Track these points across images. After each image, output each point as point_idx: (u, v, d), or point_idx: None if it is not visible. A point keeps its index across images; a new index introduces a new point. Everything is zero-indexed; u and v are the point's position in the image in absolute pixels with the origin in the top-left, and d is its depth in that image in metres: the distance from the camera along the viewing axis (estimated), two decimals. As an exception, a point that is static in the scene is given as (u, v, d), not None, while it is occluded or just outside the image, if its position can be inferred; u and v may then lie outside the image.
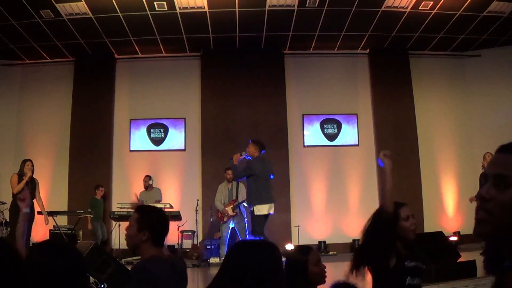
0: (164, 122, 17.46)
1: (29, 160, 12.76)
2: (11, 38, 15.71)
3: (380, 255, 4.39)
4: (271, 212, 11.25)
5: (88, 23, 14.94)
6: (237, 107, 17.17)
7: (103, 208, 15.87)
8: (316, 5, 14.49)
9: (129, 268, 5.61)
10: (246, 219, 14.19)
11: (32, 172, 12.60)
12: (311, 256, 4.49)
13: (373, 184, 17.06)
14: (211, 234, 15.67)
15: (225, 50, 17.51)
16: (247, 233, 14.09)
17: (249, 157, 11.43)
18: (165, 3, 14.08)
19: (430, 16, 15.26)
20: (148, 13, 14.55)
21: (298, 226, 16.19)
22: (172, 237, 15.44)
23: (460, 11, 14.86)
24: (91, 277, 8.53)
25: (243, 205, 14.16)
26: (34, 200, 12.94)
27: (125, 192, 16.55)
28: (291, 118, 17.28)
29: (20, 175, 12.49)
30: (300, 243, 15.50)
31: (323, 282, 4.52)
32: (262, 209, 11.00)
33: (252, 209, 11.07)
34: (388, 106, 17.34)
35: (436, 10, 14.87)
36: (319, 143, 17.52)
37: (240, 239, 14.23)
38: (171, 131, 17.44)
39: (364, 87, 17.72)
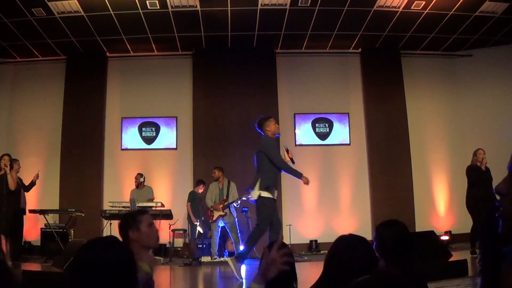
0: (156, 120, 17.44)
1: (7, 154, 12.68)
2: (3, 36, 15.65)
3: None
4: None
5: (80, 21, 14.91)
6: (229, 106, 17.16)
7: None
8: (308, 4, 14.50)
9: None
10: (236, 219, 14.21)
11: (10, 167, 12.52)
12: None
13: (365, 183, 17.10)
14: (203, 233, 15.67)
15: (217, 49, 17.51)
16: (238, 231, 14.12)
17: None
18: (157, 1, 14.06)
19: (422, 16, 15.29)
20: (140, 11, 14.53)
21: (290, 225, 16.17)
22: (164, 235, 15.44)
23: (452, 11, 14.90)
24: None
25: (234, 205, 14.20)
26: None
27: (117, 190, 16.53)
28: (282, 117, 17.26)
29: None
30: (292, 242, 15.53)
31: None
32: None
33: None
34: (379, 105, 17.36)
35: (428, 10, 14.90)
36: (310, 142, 17.53)
37: (231, 237, 14.26)
38: (162, 129, 17.42)
39: (356, 87, 17.74)
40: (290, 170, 10.76)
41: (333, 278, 3.09)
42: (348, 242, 3.31)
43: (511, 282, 3.27)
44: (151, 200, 15.06)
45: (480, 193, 12.13)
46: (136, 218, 4.68)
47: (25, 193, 13.79)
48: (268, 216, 10.23)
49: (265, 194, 10.31)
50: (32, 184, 13.73)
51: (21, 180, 13.49)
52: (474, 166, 12.62)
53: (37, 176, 13.76)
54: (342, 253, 3.17)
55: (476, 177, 12.47)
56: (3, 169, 12.28)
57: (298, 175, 10.60)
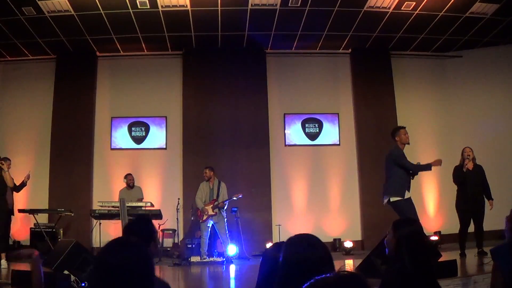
0: (146, 120, 17.42)
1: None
2: (-8, 34, 15.63)
3: None
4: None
5: (70, 20, 14.88)
6: (219, 106, 17.16)
7: None
8: (299, 5, 14.51)
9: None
10: (225, 219, 14.21)
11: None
12: None
13: (354, 183, 17.12)
14: (192, 233, 15.67)
15: (207, 48, 17.51)
16: (227, 232, 14.12)
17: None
18: (147, 1, 14.04)
19: (413, 17, 15.31)
20: (130, 11, 14.50)
21: (279, 225, 16.18)
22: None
23: (443, 12, 14.93)
24: (71, 276, 8.48)
25: (224, 206, 14.22)
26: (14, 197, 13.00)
27: (106, 190, 16.50)
28: (272, 117, 17.29)
29: None
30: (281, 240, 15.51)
31: None
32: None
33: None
34: (369, 106, 17.39)
35: (419, 11, 14.93)
36: (300, 142, 17.54)
37: (220, 238, 14.27)
38: (152, 129, 17.40)
39: (346, 87, 17.77)
40: (421, 168, 11.40)
41: (290, 277, 3.09)
42: (301, 240, 3.29)
43: (498, 279, 3.30)
44: (141, 200, 15.05)
45: (467, 194, 12.07)
46: (154, 228, 4.64)
47: (15, 193, 13.74)
48: (411, 211, 10.57)
49: (394, 198, 10.78)
50: (23, 184, 13.67)
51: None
52: (457, 167, 12.56)
53: (28, 177, 13.68)
54: (298, 251, 3.16)
55: (458, 178, 12.43)
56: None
57: (429, 167, 11.21)
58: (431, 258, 4.51)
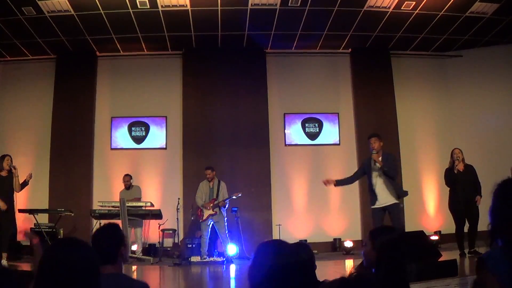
0: (146, 120, 17.41)
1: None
2: (-8, 34, 15.63)
3: None
4: None
5: (70, 20, 14.88)
6: (219, 106, 17.16)
7: None
8: (299, 4, 14.51)
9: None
10: (226, 218, 14.20)
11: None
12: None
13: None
14: (192, 232, 15.66)
15: (207, 48, 17.50)
16: (227, 232, 14.11)
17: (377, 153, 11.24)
18: (147, 1, 14.04)
19: (412, 16, 15.31)
20: (130, 10, 14.50)
21: (279, 224, 16.18)
22: (153, 235, 15.44)
23: (443, 11, 14.93)
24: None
25: (225, 205, 14.20)
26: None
27: (106, 190, 16.49)
28: (272, 117, 17.29)
29: None
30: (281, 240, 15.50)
31: None
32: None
33: (399, 201, 10.99)
34: (369, 105, 17.39)
35: (419, 10, 14.92)
36: (300, 142, 17.53)
37: (220, 238, 14.26)
38: (152, 129, 17.40)
39: (346, 87, 17.76)
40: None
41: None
42: (267, 248, 3.28)
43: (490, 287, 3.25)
44: (138, 199, 15.06)
45: (458, 195, 12.08)
46: (123, 233, 4.70)
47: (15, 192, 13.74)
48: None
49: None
50: (25, 184, 13.66)
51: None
52: (448, 169, 12.56)
53: (30, 176, 13.65)
54: (264, 259, 3.16)
55: (449, 180, 12.44)
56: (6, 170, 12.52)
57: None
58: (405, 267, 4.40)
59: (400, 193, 11.13)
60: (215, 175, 14.59)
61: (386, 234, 4.49)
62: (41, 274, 2.64)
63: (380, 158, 11.06)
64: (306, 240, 16.23)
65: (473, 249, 11.66)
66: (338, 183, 11.69)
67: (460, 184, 12.06)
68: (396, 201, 10.94)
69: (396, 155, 11.29)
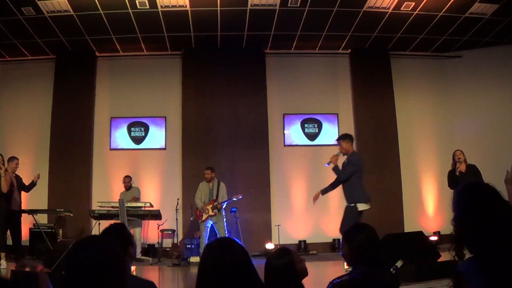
0: (145, 120, 17.42)
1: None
2: (-8, 35, 15.63)
3: None
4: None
5: (69, 20, 14.87)
6: (218, 106, 17.15)
7: None
8: (298, 5, 14.51)
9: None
10: (225, 219, 14.19)
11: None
12: (294, 255, 4.48)
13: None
14: (191, 233, 15.66)
15: (206, 49, 17.51)
16: (226, 232, 14.10)
17: (345, 155, 11.50)
18: (146, 1, 14.03)
19: (412, 17, 15.31)
20: (130, 11, 14.50)
21: (278, 225, 16.20)
22: (153, 236, 15.45)
23: (442, 12, 14.93)
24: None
25: (223, 207, 14.18)
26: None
27: (105, 190, 16.50)
28: (271, 117, 17.29)
29: None
30: (280, 243, 15.56)
31: (307, 274, 4.51)
32: (365, 206, 11.03)
33: (353, 205, 10.99)
34: (368, 106, 17.39)
35: (418, 11, 14.92)
36: (299, 142, 17.54)
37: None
38: (151, 129, 17.40)
39: (345, 87, 17.75)
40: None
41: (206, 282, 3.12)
42: (216, 245, 3.32)
43: None
44: (137, 199, 15.04)
45: None
46: (129, 232, 4.72)
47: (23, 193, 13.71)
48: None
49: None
50: (32, 185, 13.64)
51: (20, 179, 13.45)
52: (450, 172, 12.57)
53: (37, 177, 13.66)
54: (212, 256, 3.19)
55: (452, 182, 12.47)
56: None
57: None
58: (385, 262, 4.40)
59: (355, 197, 11.09)
60: (214, 176, 14.57)
61: (359, 233, 4.47)
62: (67, 275, 2.63)
63: (340, 159, 11.51)
64: (305, 241, 16.28)
65: None
66: (324, 191, 11.75)
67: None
68: (349, 204, 11.11)
69: (357, 160, 11.28)
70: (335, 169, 11.25)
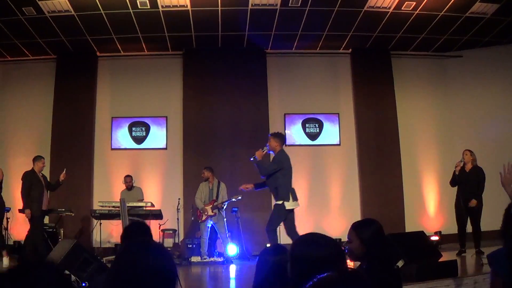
0: (146, 120, 17.42)
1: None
2: (-7, 35, 15.63)
3: None
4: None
5: (70, 20, 14.87)
6: (219, 106, 17.15)
7: None
8: (299, 5, 14.50)
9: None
10: (225, 219, 14.19)
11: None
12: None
13: (355, 183, 17.09)
14: (193, 233, 15.65)
15: (207, 48, 17.51)
16: (227, 232, 14.10)
17: (271, 152, 11.51)
18: (147, 1, 14.03)
19: (413, 17, 15.29)
20: (131, 11, 14.49)
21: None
22: (154, 236, 15.41)
23: (443, 12, 14.91)
24: (72, 276, 8.48)
25: (224, 205, 14.18)
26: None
27: (106, 190, 16.50)
28: (272, 117, 17.28)
29: None
30: (282, 243, 15.51)
31: None
32: (292, 205, 11.07)
33: (281, 202, 10.96)
34: (370, 106, 17.38)
35: (419, 11, 14.91)
36: (300, 142, 17.54)
37: (221, 238, 14.26)
38: (152, 129, 17.40)
39: (346, 87, 17.75)
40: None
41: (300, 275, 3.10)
42: (307, 238, 3.33)
43: (497, 285, 3.25)
44: (141, 200, 15.03)
45: (459, 195, 12.28)
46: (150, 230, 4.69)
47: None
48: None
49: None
50: (58, 183, 13.56)
51: (45, 178, 13.44)
52: (455, 170, 12.66)
53: (63, 176, 13.57)
54: (307, 249, 3.19)
55: (451, 180, 12.59)
56: None
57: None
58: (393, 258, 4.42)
59: (279, 195, 11.13)
60: (213, 176, 14.54)
61: (370, 226, 4.49)
62: (113, 279, 2.56)
63: (263, 154, 11.48)
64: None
65: (478, 249, 11.70)
66: (256, 186, 11.80)
67: (463, 184, 12.22)
68: (276, 201, 11.20)
69: (281, 159, 11.32)
70: (259, 163, 11.18)
